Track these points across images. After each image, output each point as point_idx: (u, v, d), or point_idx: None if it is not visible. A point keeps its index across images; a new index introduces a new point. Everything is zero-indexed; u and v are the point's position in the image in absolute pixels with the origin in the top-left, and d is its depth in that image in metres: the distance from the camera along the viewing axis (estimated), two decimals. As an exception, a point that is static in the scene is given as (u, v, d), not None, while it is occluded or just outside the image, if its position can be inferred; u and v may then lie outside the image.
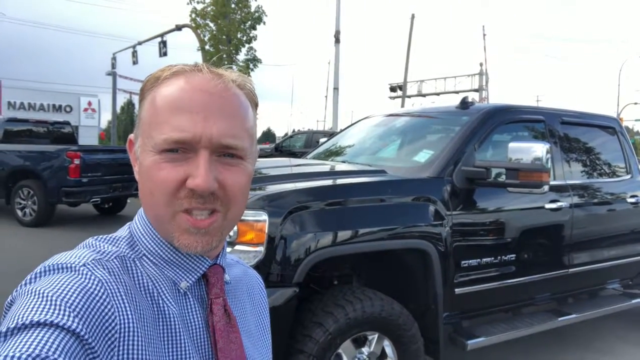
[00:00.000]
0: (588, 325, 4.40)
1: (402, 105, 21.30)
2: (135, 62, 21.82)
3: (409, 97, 27.31)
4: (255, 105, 0.76)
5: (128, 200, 10.14)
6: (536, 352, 3.95)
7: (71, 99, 28.83)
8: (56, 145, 8.86)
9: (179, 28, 19.22)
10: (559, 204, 3.37)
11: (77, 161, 8.03)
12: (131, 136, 0.76)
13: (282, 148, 14.78)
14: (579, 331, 4.37)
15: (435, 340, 2.81)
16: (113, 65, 24.40)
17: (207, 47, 19.48)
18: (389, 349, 2.65)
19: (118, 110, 33.35)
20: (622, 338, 4.38)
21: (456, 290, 2.90)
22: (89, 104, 29.36)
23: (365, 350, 2.59)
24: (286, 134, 24.25)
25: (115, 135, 26.16)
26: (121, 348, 0.59)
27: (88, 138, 25.48)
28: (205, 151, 0.66)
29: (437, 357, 2.84)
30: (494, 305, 3.27)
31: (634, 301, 3.99)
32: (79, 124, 27.22)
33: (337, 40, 16.57)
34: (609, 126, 4.10)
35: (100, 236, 0.73)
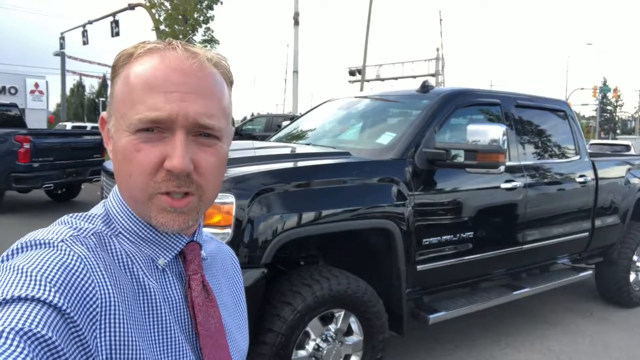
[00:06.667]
0: (539, 298, 4.65)
1: (362, 89, 21.39)
2: (85, 43, 20.94)
3: (368, 81, 27.44)
4: (230, 83, 0.76)
5: (82, 186, 9.81)
6: (492, 325, 4.16)
7: (16, 80, 27.25)
8: (3, 129, 8.43)
9: (131, 7, 18.51)
10: (513, 183, 3.52)
11: (27, 145, 7.68)
12: (104, 114, 0.75)
13: (242, 131, 14.60)
14: (531, 304, 4.62)
15: (399, 315, 2.91)
16: (61, 46, 23.33)
17: (162, 27, 18.89)
18: (354, 325, 2.73)
19: (67, 92, 31.99)
20: (570, 309, 4.66)
21: (418, 267, 3.00)
22: (36, 85, 27.88)
23: (332, 327, 2.66)
24: (245, 118, 23.92)
25: (65, 119, 25.11)
26: (103, 322, 0.59)
27: (36, 122, 24.29)
28: (181, 131, 0.66)
29: (400, 332, 2.94)
30: (454, 281, 3.41)
31: (581, 274, 4.25)
32: (25, 106, 25.88)
33: (296, 23, 16.42)
34: (560, 109, 4.29)
35: (75, 214, 0.73)
